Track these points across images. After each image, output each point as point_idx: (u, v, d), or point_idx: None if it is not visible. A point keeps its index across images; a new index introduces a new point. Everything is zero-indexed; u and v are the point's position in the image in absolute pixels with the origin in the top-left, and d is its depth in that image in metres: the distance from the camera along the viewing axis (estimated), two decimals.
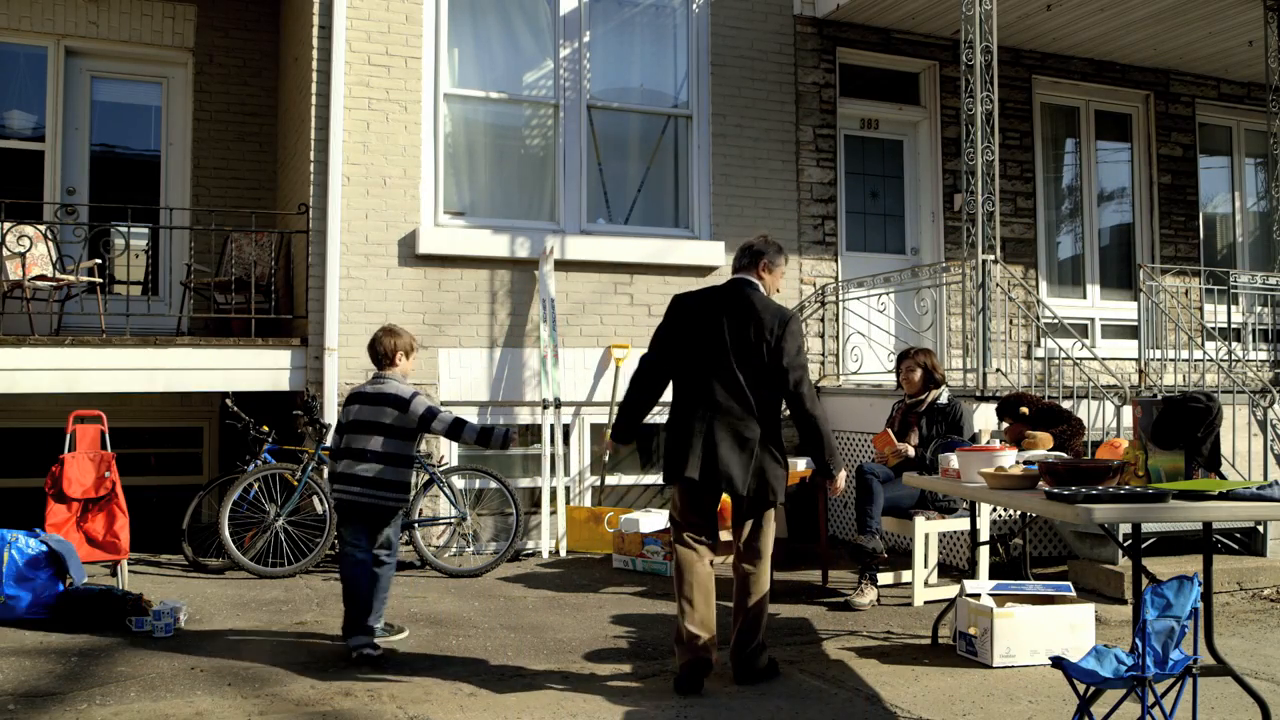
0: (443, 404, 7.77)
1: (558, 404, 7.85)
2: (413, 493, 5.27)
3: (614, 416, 5.20)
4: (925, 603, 6.17)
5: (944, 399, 6.61)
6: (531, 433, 8.07)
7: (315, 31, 7.68)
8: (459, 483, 7.47)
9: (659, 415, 8.46)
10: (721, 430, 4.47)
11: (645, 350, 4.83)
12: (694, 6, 8.81)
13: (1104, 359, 7.84)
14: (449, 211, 8.12)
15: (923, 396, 6.65)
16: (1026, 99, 9.89)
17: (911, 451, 6.41)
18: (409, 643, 5.24)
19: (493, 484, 7.41)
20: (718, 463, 4.46)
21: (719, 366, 4.48)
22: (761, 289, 4.68)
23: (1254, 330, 9.69)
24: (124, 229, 7.92)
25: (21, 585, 5.53)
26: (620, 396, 8.17)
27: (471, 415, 7.88)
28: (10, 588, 5.52)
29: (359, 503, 4.97)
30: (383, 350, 5.15)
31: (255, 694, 4.39)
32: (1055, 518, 6.16)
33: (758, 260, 4.68)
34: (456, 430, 5.05)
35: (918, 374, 6.66)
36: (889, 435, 6.52)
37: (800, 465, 6.82)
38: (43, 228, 7.76)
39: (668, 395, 4.78)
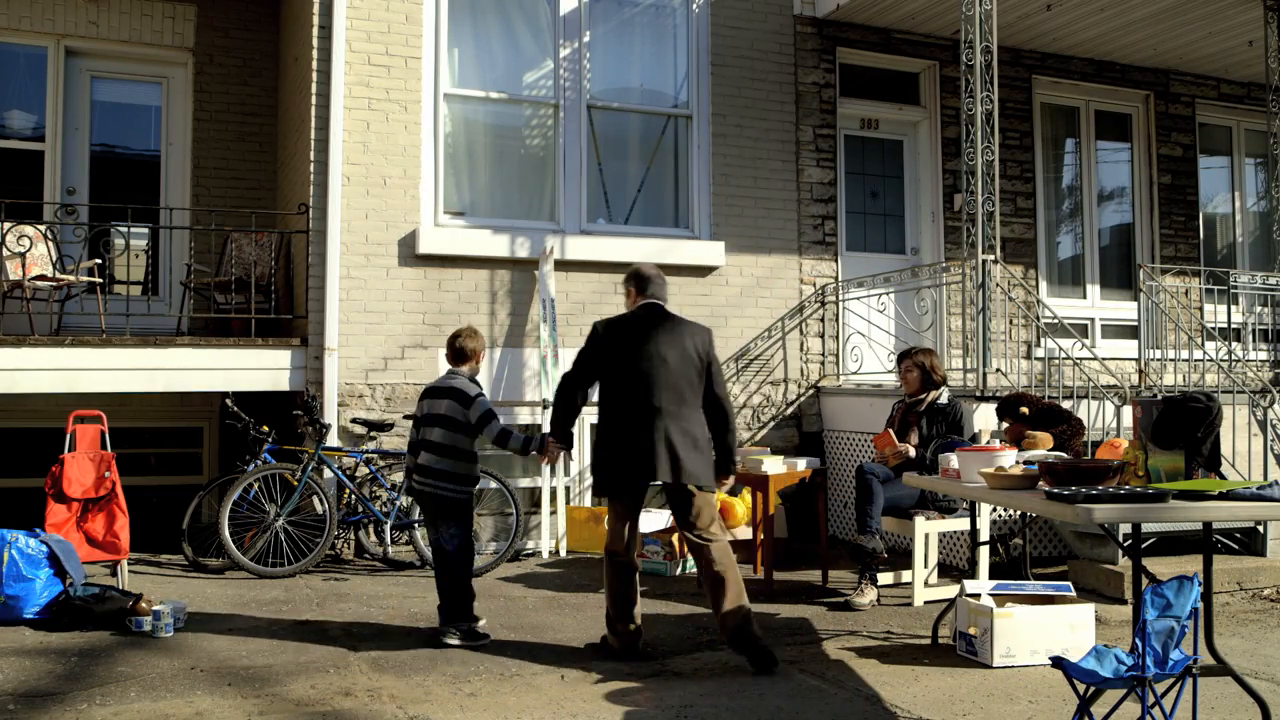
0: None
1: None
2: (476, 486, 5.47)
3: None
4: (925, 603, 6.17)
5: (944, 399, 6.61)
6: (532, 433, 8.07)
7: (315, 31, 7.68)
8: None
9: None
10: (677, 434, 4.91)
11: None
12: (694, 6, 8.81)
13: (1104, 359, 7.85)
14: (449, 211, 8.12)
15: (923, 396, 6.65)
16: (1026, 99, 9.89)
17: (912, 452, 6.40)
18: (409, 642, 5.24)
19: (493, 484, 7.40)
20: (681, 462, 4.89)
21: (664, 379, 4.94)
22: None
23: (1254, 330, 9.69)
24: (124, 229, 7.92)
25: (22, 585, 5.53)
26: None
27: None
28: (10, 588, 5.52)
29: (423, 491, 5.33)
30: (456, 348, 5.50)
31: (255, 694, 4.39)
32: (1055, 518, 6.16)
33: (663, 288, 5.23)
34: (503, 439, 5.36)
35: (914, 374, 6.66)
36: (890, 435, 6.52)
37: (801, 465, 6.83)
38: (43, 228, 7.76)
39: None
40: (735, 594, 4.85)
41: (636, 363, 4.95)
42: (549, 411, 7.79)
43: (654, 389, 4.91)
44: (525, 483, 7.98)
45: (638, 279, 5.20)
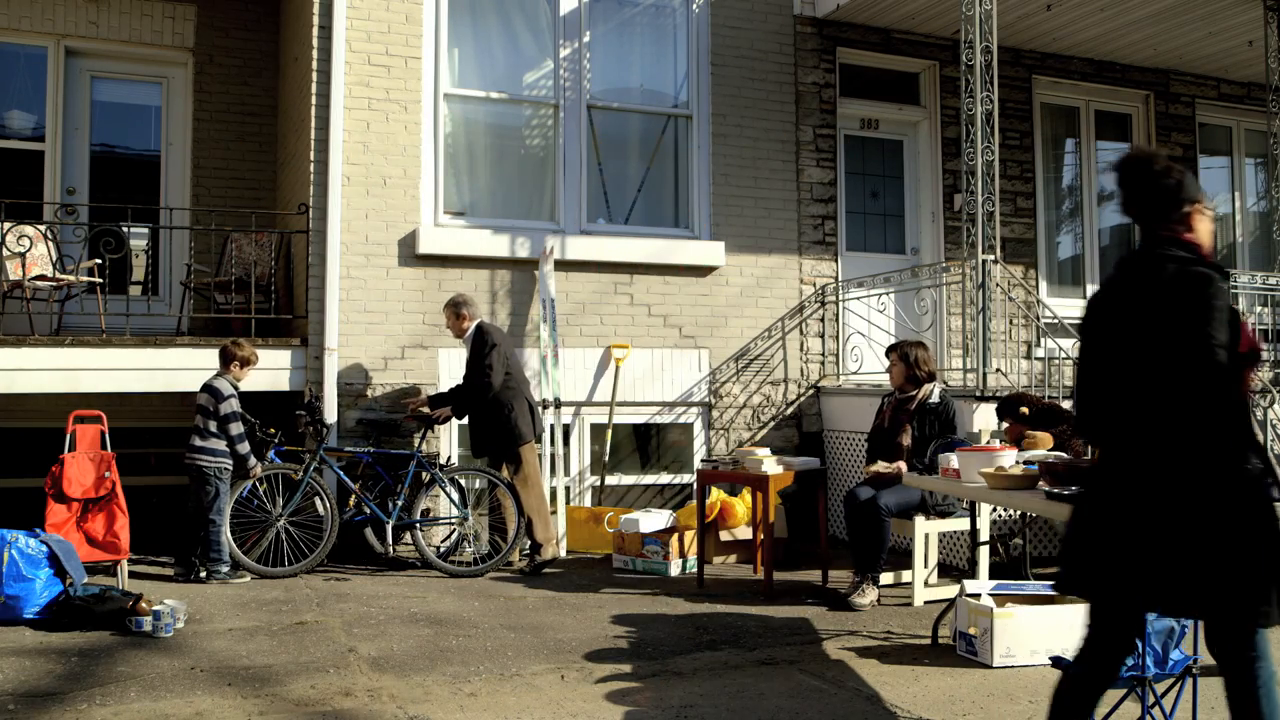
0: None
1: (558, 404, 7.85)
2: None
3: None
4: (925, 603, 6.17)
5: (935, 397, 6.53)
6: None
7: (315, 31, 7.68)
8: (459, 483, 7.46)
9: (658, 415, 8.47)
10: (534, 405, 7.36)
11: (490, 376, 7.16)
12: (694, 6, 8.81)
13: None
14: (449, 211, 8.12)
15: (913, 393, 6.56)
16: (1026, 99, 9.90)
17: (904, 467, 6.28)
18: (409, 642, 5.24)
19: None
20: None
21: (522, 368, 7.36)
22: None
23: (1254, 330, 9.67)
24: (124, 229, 7.91)
25: (22, 585, 5.53)
26: (621, 396, 8.19)
27: None
28: (10, 588, 5.52)
29: None
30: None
31: (255, 694, 4.39)
32: (1055, 518, 6.14)
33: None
34: None
35: (899, 366, 6.57)
36: (880, 468, 6.37)
37: (800, 465, 6.82)
38: (43, 228, 7.76)
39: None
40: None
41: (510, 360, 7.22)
42: (548, 411, 7.83)
43: (517, 376, 7.22)
44: None
45: (468, 305, 7.16)
